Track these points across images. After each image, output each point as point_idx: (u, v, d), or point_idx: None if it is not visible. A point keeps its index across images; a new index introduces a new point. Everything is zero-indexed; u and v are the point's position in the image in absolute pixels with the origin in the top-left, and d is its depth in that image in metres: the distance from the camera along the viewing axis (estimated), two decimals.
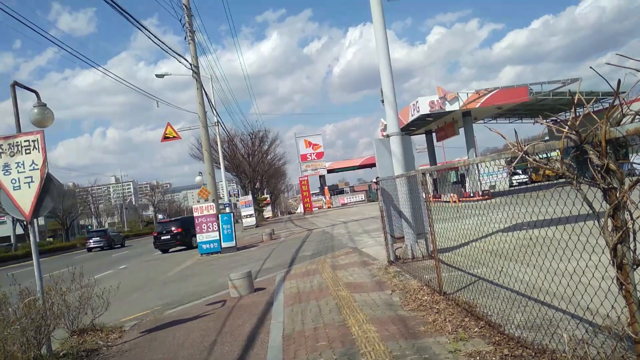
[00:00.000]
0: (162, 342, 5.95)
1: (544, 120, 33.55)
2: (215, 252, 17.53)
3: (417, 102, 26.44)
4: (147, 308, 8.78)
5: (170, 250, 24.75)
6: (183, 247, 24.38)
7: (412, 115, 27.26)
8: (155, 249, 24.65)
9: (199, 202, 18.86)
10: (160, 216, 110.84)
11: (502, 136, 3.33)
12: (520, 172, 48.91)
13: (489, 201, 23.09)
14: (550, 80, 23.38)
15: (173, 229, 24.39)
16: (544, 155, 3.08)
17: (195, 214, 17.81)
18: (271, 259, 13.19)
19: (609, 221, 2.67)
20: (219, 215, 17.80)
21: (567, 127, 2.80)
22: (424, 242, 8.90)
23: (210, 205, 17.78)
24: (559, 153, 2.98)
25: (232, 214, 18.42)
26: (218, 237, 17.60)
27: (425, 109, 25.98)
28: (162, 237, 24.34)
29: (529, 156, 3.19)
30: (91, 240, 35.95)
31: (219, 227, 17.62)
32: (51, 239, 66.14)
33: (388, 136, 8.80)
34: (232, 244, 17.81)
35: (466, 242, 8.43)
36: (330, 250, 12.52)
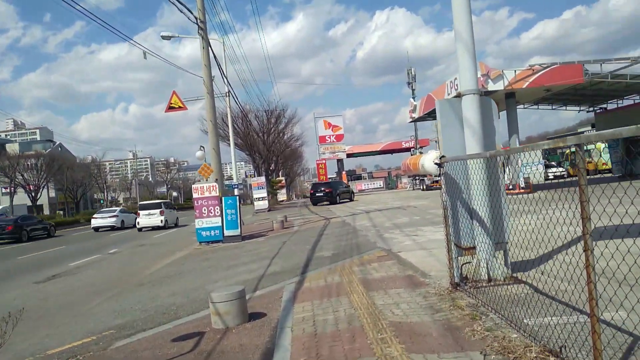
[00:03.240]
0: None
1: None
2: (216, 241, 14.84)
3: (456, 78, 23.19)
4: (96, 331, 6.07)
5: (319, 204, 34.03)
6: (328, 203, 33.59)
7: (449, 94, 24.06)
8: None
9: (199, 181, 16.15)
10: (174, 194, 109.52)
11: None
12: (555, 164, 45.43)
13: (531, 195, 20.06)
14: (617, 58, 19.87)
15: (324, 188, 34.93)
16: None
17: (194, 196, 15.10)
18: (280, 257, 10.40)
19: None
20: (222, 198, 15.05)
21: None
22: (502, 256, 6.02)
23: (213, 186, 15.02)
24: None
25: (237, 197, 15.65)
26: (220, 224, 14.89)
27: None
28: (317, 194, 34.52)
29: None
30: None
31: (221, 212, 14.89)
32: (61, 212, 64.65)
33: (459, 96, 5.85)
34: (237, 232, 15.07)
35: (547, 252, 5.60)
36: (356, 252, 9.68)
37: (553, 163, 45.58)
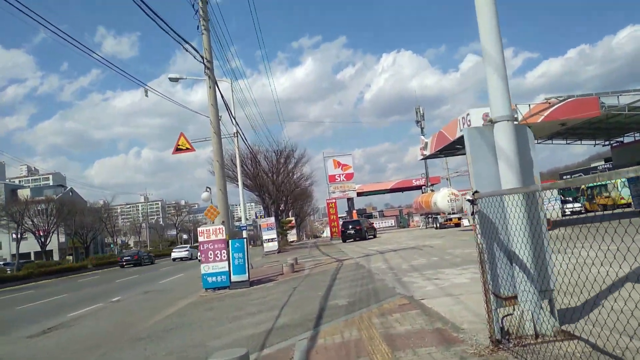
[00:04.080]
0: None
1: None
2: (223, 287, 13.98)
3: (468, 114, 22.68)
4: None
5: (348, 240, 36.90)
6: (358, 239, 36.49)
7: (462, 130, 23.46)
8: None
9: (205, 223, 15.46)
10: (184, 236, 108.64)
11: None
12: (572, 199, 44.24)
13: (552, 232, 19.02)
14: (635, 89, 19.24)
15: (352, 226, 38.00)
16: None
17: (199, 239, 14.36)
18: (290, 306, 9.53)
19: None
20: (229, 241, 14.29)
21: None
22: (548, 306, 5.18)
23: (219, 229, 14.29)
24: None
25: (245, 240, 14.88)
26: (227, 269, 14.07)
27: (477, 123, 22.10)
28: (347, 232, 37.37)
29: None
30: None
31: (228, 256, 14.10)
32: (70, 258, 63.77)
33: (492, 122, 5.17)
34: (244, 277, 14.22)
35: (592, 297, 4.84)
36: (373, 299, 8.80)
37: (569, 199, 44.42)
